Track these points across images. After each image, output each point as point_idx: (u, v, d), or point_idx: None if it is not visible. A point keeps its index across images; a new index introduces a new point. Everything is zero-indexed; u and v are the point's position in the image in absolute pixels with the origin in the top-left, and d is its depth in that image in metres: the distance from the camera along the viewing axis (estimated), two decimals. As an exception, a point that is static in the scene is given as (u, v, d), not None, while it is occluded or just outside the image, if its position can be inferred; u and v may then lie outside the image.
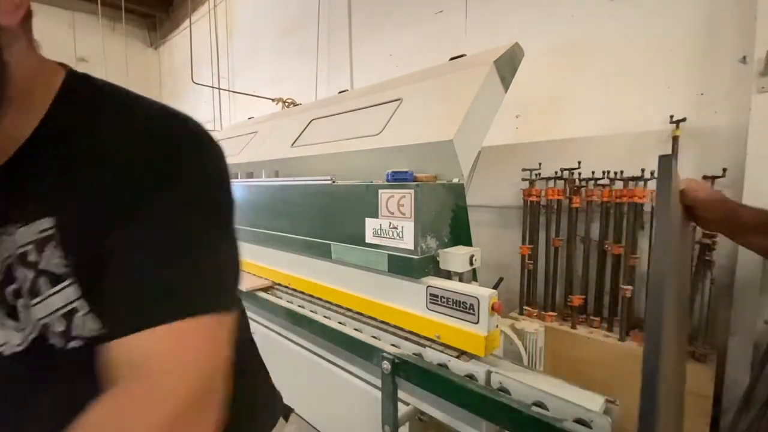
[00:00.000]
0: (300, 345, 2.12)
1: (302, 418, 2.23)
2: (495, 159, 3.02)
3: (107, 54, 8.10)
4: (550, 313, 2.55)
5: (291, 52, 5.20)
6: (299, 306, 2.09)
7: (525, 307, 2.67)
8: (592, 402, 1.13)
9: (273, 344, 2.33)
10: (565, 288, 2.57)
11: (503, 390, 1.24)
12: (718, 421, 2.13)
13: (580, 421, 1.06)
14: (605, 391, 2.26)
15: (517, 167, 2.82)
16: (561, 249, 2.61)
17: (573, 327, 2.42)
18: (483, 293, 1.35)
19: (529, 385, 1.21)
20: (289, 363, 2.23)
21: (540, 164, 2.72)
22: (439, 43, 3.46)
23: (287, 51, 5.28)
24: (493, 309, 1.36)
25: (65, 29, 7.91)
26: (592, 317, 2.45)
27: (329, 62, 4.60)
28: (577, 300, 2.44)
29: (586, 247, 2.50)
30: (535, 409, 1.11)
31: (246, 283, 2.25)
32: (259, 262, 2.52)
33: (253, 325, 2.47)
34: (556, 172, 2.63)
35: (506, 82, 2.00)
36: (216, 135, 3.75)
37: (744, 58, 2.07)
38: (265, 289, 2.28)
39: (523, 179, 2.72)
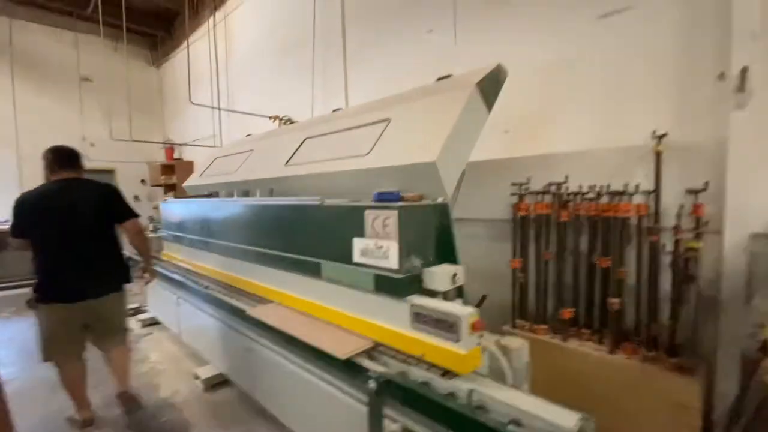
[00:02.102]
0: (292, 362, 2.15)
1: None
2: (486, 173, 3.07)
3: (110, 73, 8.28)
4: (542, 326, 2.57)
5: (288, 70, 5.32)
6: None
7: (517, 320, 2.70)
8: (567, 419, 1.16)
9: (267, 360, 2.37)
10: (556, 301, 2.60)
11: (482, 408, 1.28)
12: (709, 433, 2.14)
13: (553, 439, 1.10)
14: (592, 404, 2.28)
15: (507, 181, 2.87)
16: (551, 262, 2.64)
17: (564, 340, 2.44)
18: (463, 312, 1.39)
19: (507, 403, 1.25)
20: (282, 379, 2.26)
21: (528, 178, 2.77)
22: (431, 61, 3.55)
23: (284, 69, 5.40)
24: (473, 328, 1.40)
25: (69, 50, 8.12)
26: (582, 330, 2.47)
27: (325, 78, 4.71)
28: (567, 313, 2.47)
29: (576, 261, 2.53)
30: (511, 427, 1.14)
31: (344, 347, 1.70)
32: (253, 280, 2.57)
33: (249, 343, 2.50)
34: (544, 187, 2.68)
35: (490, 102, 2.07)
36: (215, 151, 3.82)
37: (722, 74, 2.12)
38: (368, 351, 1.72)
39: (512, 194, 2.77)
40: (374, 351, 1.72)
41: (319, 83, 4.76)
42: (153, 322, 4.70)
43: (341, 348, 1.68)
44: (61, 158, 2.48)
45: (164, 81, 9.34)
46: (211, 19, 6.69)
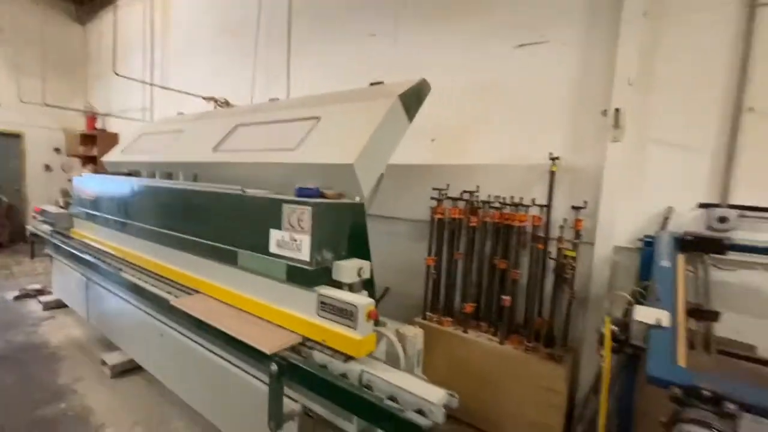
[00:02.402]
0: (202, 345, 2.19)
1: (207, 419, 2.30)
2: (414, 177, 3.29)
3: (24, 25, 7.35)
4: (448, 319, 2.85)
5: (230, 51, 5.14)
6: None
7: (428, 313, 2.95)
8: (436, 395, 1.36)
9: (178, 345, 2.37)
10: (462, 296, 2.89)
11: (368, 387, 1.45)
12: (573, 410, 2.55)
13: (420, 411, 1.29)
14: (484, 386, 2.59)
15: (431, 186, 3.10)
16: (460, 262, 2.93)
17: (465, 331, 2.73)
18: (361, 303, 1.55)
19: (389, 382, 1.43)
20: (192, 363, 2.29)
21: (448, 185, 3.02)
22: (371, 62, 3.68)
23: (226, 50, 5.21)
24: (369, 316, 1.56)
25: (-28, -8, 7.06)
26: (481, 323, 2.78)
27: (267, 66, 4.64)
28: (469, 307, 2.76)
29: (480, 261, 2.83)
30: (387, 402, 1.33)
31: (272, 341, 1.70)
32: (170, 265, 2.54)
33: (161, 328, 2.48)
34: (461, 194, 2.95)
35: (411, 113, 2.24)
36: (143, 126, 3.66)
37: (605, 111, 2.50)
38: (296, 347, 1.73)
39: (432, 198, 3.01)
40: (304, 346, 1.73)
41: (261, 68, 4.68)
42: (57, 306, 4.35)
43: (269, 342, 1.67)
44: None
45: (90, 41, 8.45)
46: (148, -17, 6.22)
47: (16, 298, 4.63)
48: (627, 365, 2.19)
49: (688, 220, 2.28)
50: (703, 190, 2.26)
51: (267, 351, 1.62)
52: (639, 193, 2.41)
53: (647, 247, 2.21)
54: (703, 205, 2.24)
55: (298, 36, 4.33)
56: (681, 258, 2.04)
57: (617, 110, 2.33)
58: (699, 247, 2.06)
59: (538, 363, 2.41)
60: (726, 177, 2.17)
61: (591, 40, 2.60)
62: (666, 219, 2.31)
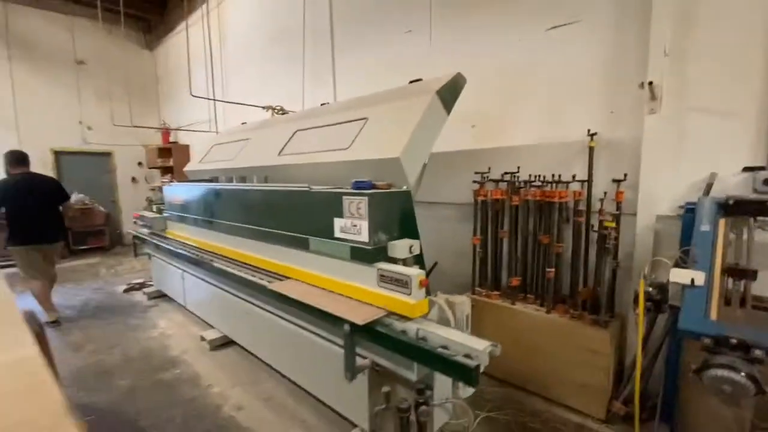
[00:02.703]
0: (284, 318, 2.63)
1: (290, 379, 2.75)
2: (457, 162, 3.52)
3: (105, 57, 8.45)
4: (495, 293, 3.07)
5: (280, 59, 5.63)
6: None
7: (476, 288, 3.19)
8: (481, 344, 1.64)
9: (263, 320, 2.85)
10: (508, 272, 3.09)
11: (424, 339, 1.76)
12: (622, 374, 2.68)
13: (467, 356, 1.58)
14: (531, 351, 2.79)
15: (473, 170, 3.31)
16: (504, 240, 3.12)
17: (512, 303, 2.94)
18: (413, 273, 1.86)
19: (441, 335, 1.73)
20: (275, 333, 2.75)
21: (489, 168, 3.21)
22: (410, 58, 3.92)
23: (276, 58, 5.71)
24: (421, 284, 1.87)
25: (64, 33, 8.25)
26: (527, 295, 2.98)
27: (314, 70, 5.05)
28: (515, 281, 2.96)
29: (524, 238, 3.01)
30: (440, 349, 1.63)
31: (361, 314, 1.94)
32: (253, 253, 3.02)
33: (247, 307, 2.96)
34: (502, 175, 3.13)
35: (448, 106, 2.48)
36: (212, 137, 4.22)
37: (642, 84, 2.55)
38: (379, 320, 1.94)
39: (474, 181, 3.22)
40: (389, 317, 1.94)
41: (309, 73, 5.09)
42: (158, 295, 5.15)
43: (359, 316, 1.92)
44: (17, 159, 4.17)
45: (158, 64, 9.50)
46: (204, 6, 6.89)
47: (125, 290, 5.54)
48: (671, 326, 2.30)
49: (732, 185, 2.29)
50: (748, 154, 2.27)
51: (360, 323, 1.87)
52: (680, 161, 2.46)
53: (689, 213, 2.28)
54: (747, 169, 2.25)
55: (341, 40, 4.67)
56: (722, 222, 2.10)
57: (651, 83, 2.39)
58: (741, 210, 2.10)
59: (584, 328, 2.57)
60: (771, 139, 2.17)
61: (623, 14, 2.64)
62: (709, 185, 2.34)
